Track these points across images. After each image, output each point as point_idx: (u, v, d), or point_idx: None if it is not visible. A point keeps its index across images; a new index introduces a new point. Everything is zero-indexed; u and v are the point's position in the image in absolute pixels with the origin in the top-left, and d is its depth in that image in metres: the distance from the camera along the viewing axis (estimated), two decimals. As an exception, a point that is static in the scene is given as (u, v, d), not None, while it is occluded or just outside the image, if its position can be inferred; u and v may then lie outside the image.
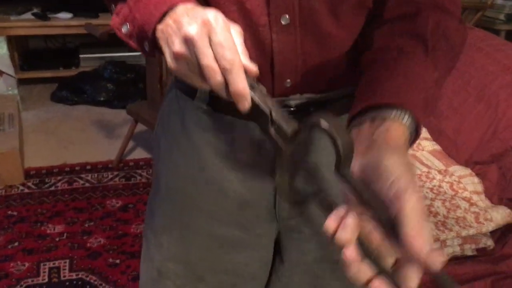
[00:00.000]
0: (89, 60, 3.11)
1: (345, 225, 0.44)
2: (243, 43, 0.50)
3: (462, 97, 1.80)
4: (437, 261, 0.40)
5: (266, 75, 0.63)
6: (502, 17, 2.97)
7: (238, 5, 0.58)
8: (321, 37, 0.62)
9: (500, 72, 1.74)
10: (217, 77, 0.48)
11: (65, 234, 1.98)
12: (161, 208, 0.76)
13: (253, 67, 0.49)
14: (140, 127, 2.40)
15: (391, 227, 0.43)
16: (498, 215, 1.47)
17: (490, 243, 1.49)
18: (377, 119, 0.52)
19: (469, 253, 1.49)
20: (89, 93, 2.95)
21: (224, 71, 0.47)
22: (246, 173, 0.71)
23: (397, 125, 0.51)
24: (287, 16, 0.59)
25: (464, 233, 1.44)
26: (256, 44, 0.61)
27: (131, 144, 2.50)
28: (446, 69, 0.60)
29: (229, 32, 0.48)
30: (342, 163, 0.45)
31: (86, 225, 2.04)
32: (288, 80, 0.64)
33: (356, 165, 0.48)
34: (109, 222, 2.06)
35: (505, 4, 2.96)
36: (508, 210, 1.49)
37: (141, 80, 2.90)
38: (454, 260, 1.47)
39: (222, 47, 0.47)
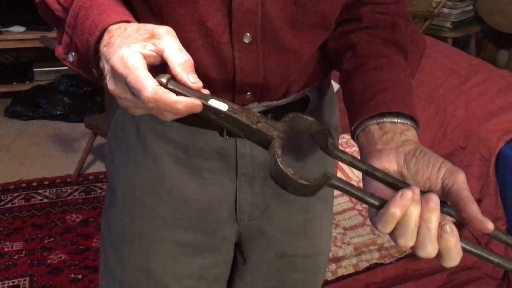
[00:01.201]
0: (43, 74, 3.04)
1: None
2: (181, 51, 0.50)
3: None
4: (490, 224, 0.47)
5: (227, 90, 0.64)
6: (448, 25, 3.11)
7: (199, 25, 0.59)
8: (282, 52, 0.63)
9: (448, 77, 1.84)
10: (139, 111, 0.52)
11: (24, 252, 1.93)
12: (119, 220, 0.76)
13: (192, 81, 0.50)
14: (99, 140, 2.37)
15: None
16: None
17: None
18: (398, 124, 0.57)
19: (425, 249, 1.55)
20: (45, 108, 2.88)
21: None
22: (206, 179, 0.72)
23: (414, 131, 0.57)
24: (249, 34, 0.59)
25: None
26: (217, 62, 0.62)
27: (90, 157, 2.46)
28: (415, 74, 0.66)
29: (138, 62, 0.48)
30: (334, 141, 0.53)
31: (46, 241, 1.99)
32: (249, 93, 0.65)
33: (393, 153, 0.54)
34: (70, 237, 2.02)
35: (451, 12, 3.11)
36: (460, 206, 1.56)
37: (99, 93, 2.86)
38: (411, 256, 1.53)
39: (135, 91, 0.48)
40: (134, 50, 0.48)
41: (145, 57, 0.49)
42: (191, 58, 0.50)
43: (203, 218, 0.74)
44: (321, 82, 0.74)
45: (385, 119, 0.57)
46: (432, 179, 0.50)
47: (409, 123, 0.57)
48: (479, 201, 1.57)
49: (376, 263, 1.50)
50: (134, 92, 0.48)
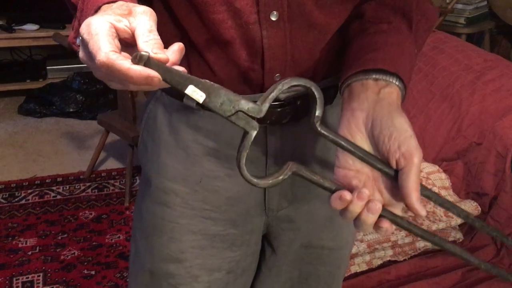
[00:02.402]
0: (56, 71, 3.06)
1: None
2: (152, 27, 0.48)
3: (427, 97, 1.86)
4: (423, 212, 0.53)
5: (257, 71, 0.65)
6: (462, 21, 3.08)
7: (227, 5, 0.59)
8: (309, 29, 0.63)
9: (462, 72, 1.82)
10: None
11: (37, 248, 1.94)
12: (151, 209, 0.77)
13: (164, 56, 0.47)
14: (112, 137, 2.38)
15: (389, 177, 0.54)
16: (466, 209, 1.52)
17: (459, 236, 1.54)
18: (380, 81, 0.58)
19: (439, 246, 1.53)
20: (58, 105, 2.91)
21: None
22: (235, 169, 0.72)
23: (397, 90, 0.58)
24: (276, 12, 0.60)
25: (434, 227, 1.48)
26: (246, 42, 0.62)
27: (102, 154, 2.47)
28: (422, 45, 0.66)
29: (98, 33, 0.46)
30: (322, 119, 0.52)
31: (59, 237, 2.00)
32: (278, 75, 0.65)
33: (362, 117, 0.55)
34: (83, 233, 2.03)
35: (465, 8, 3.07)
36: (475, 204, 1.55)
37: (111, 90, 2.88)
38: (426, 253, 1.52)
39: (92, 56, 0.45)
40: (104, 19, 0.47)
41: (117, 29, 0.47)
42: (160, 40, 0.47)
43: (232, 209, 0.75)
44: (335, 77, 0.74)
45: (368, 76, 0.58)
46: (390, 154, 0.53)
47: (393, 81, 0.57)
48: (494, 198, 1.55)
49: (389, 261, 1.49)
50: (92, 57, 0.46)
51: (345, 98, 0.59)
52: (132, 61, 0.45)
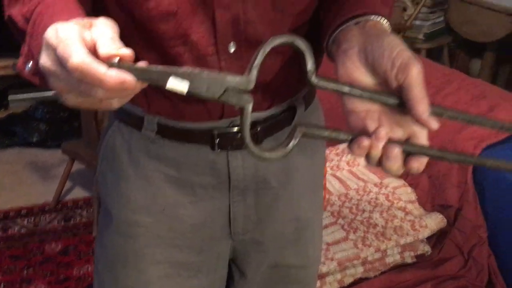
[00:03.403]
0: (18, 101, 3.00)
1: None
2: (113, 35, 0.47)
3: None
4: (434, 124, 0.48)
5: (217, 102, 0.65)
6: (421, 36, 3.16)
7: (184, 39, 0.59)
8: (269, 56, 0.63)
9: (422, 87, 1.86)
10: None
11: (2, 284, 1.87)
12: (114, 241, 0.76)
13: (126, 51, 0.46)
14: (77, 165, 2.33)
15: (397, 104, 0.50)
16: (432, 221, 1.54)
17: (427, 249, 1.56)
18: (361, 22, 0.56)
19: (409, 260, 1.55)
20: (21, 135, 2.83)
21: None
22: (199, 195, 0.72)
23: (380, 22, 0.56)
24: (234, 43, 0.61)
25: (402, 241, 1.50)
26: None
27: (68, 184, 2.42)
28: (391, 4, 0.66)
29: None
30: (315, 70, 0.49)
31: (25, 272, 1.94)
32: None
33: (355, 52, 0.52)
34: (50, 267, 1.97)
35: (423, 24, 3.16)
36: (440, 216, 1.57)
37: (76, 118, 2.83)
38: (396, 268, 1.53)
39: (63, 60, 0.44)
40: (72, 24, 0.46)
41: (83, 40, 0.45)
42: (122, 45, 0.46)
43: (198, 236, 0.75)
44: (307, 92, 0.75)
45: (348, 24, 0.56)
46: (388, 75, 0.49)
47: (374, 18, 0.56)
48: (459, 210, 1.58)
49: (360, 278, 1.49)
50: (62, 62, 0.43)
51: (334, 50, 0.57)
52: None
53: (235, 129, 0.68)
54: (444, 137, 1.66)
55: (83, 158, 2.14)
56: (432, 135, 1.75)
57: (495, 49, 3.11)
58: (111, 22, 0.47)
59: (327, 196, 1.63)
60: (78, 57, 0.42)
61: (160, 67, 0.45)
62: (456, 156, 0.51)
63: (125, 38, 0.61)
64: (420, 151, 0.49)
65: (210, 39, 0.60)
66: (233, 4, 0.59)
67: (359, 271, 1.48)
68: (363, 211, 1.59)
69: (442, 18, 3.21)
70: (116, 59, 0.44)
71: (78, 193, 2.43)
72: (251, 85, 0.47)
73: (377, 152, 0.49)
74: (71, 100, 0.47)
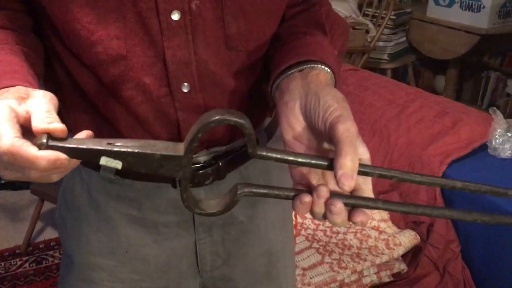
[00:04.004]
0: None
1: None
2: (48, 107, 0.46)
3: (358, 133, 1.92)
4: (347, 184, 0.45)
5: (175, 142, 0.63)
6: (385, 57, 3.24)
7: (135, 82, 0.58)
8: (222, 95, 0.63)
9: (387, 107, 1.90)
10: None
11: (-29, 335, 1.79)
12: (76, 287, 0.73)
13: (58, 127, 0.44)
14: (47, 206, 2.28)
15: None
16: (406, 239, 1.55)
17: (403, 266, 1.57)
18: (305, 69, 0.56)
19: (386, 279, 1.55)
20: (-11, 178, 2.77)
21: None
22: (163, 234, 0.70)
23: (324, 72, 0.56)
24: (187, 84, 0.59)
25: (378, 261, 1.50)
26: (160, 116, 0.61)
27: (39, 225, 2.35)
28: (340, 51, 0.68)
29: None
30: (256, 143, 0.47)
31: (-5, 320, 1.86)
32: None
33: (297, 106, 0.52)
34: (22, 312, 1.90)
35: (386, 45, 3.24)
36: (414, 233, 1.58)
37: (45, 156, 2.78)
38: (373, 289, 1.52)
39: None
40: (4, 103, 0.44)
41: (17, 115, 0.44)
42: (57, 119, 0.45)
43: (164, 275, 0.72)
44: (269, 124, 0.74)
45: (293, 70, 0.56)
46: (325, 131, 0.49)
47: (318, 65, 0.56)
48: (431, 225, 1.59)
49: (339, 301, 1.48)
50: None
51: (277, 99, 0.57)
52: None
53: (197, 165, 0.66)
54: (411, 155, 1.69)
55: (53, 197, 2.09)
56: (400, 153, 1.77)
57: (458, 65, 3.20)
58: (49, 94, 0.47)
59: (300, 220, 1.63)
60: (7, 141, 0.41)
61: (92, 146, 0.44)
62: (400, 206, 0.49)
63: (78, 82, 0.61)
64: (363, 204, 0.48)
65: (162, 80, 0.58)
66: (183, 44, 0.57)
67: (336, 294, 1.47)
68: (337, 233, 1.59)
69: (404, 38, 3.30)
70: (43, 139, 0.43)
71: (50, 234, 2.37)
72: (185, 161, 0.46)
73: (319, 209, 0.48)
74: (9, 175, 0.45)
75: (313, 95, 0.51)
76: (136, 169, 0.45)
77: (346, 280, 1.47)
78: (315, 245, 1.55)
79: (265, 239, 0.77)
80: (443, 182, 0.51)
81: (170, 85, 0.59)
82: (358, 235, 1.57)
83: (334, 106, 0.48)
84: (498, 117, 1.60)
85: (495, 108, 1.62)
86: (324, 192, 0.47)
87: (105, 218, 0.69)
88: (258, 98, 0.70)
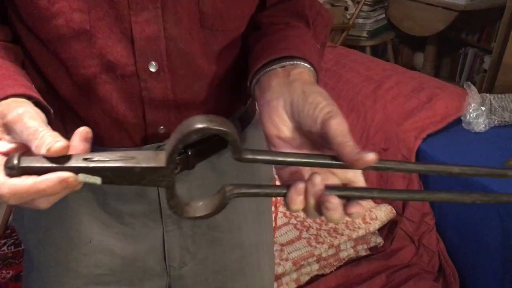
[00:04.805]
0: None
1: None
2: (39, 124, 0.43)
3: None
4: (370, 156, 0.43)
5: (139, 125, 0.60)
6: (365, 34, 3.24)
7: (99, 59, 0.54)
8: (194, 79, 0.60)
9: (364, 83, 1.90)
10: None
11: (-51, 319, 1.78)
12: (37, 283, 0.70)
13: (58, 146, 0.42)
14: (25, 188, 2.25)
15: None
16: (382, 213, 1.58)
17: (379, 240, 1.59)
18: (287, 66, 0.54)
19: (362, 253, 1.57)
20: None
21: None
22: (129, 224, 0.67)
23: (307, 69, 0.54)
24: (154, 63, 0.56)
25: (354, 235, 1.52)
26: (124, 96, 0.58)
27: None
28: (323, 43, 0.65)
29: None
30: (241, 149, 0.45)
31: (-26, 304, 1.85)
32: (162, 127, 0.61)
33: (280, 104, 0.50)
34: (1, 295, 1.89)
35: (365, 22, 3.24)
36: (390, 207, 1.61)
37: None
38: (351, 262, 1.55)
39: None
40: None
41: (5, 152, 0.42)
42: (49, 132, 0.43)
43: (129, 269, 0.69)
44: (243, 113, 0.71)
45: (274, 66, 0.54)
46: (314, 130, 0.47)
47: (301, 63, 0.54)
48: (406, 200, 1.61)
49: (317, 275, 1.50)
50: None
51: (257, 96, 0.55)
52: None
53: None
54: (388, 131, 1.70)
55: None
56: (376, 129, 1.78)
57: (436, 42, 3.22)
58: (22, 112, 0.43)
59: (279, 197, 1.63)
60: (5, 188, 0.40)
61: (68, 161, 0.42)
62: (396, 193, 0.49)
63: (35, 59, 0.57)
64: (357, 195, 0.46)
65: (129, 58, 0.55)
66: (152, 19, 0.53)
67: (314, 269, 1.49)
68: (315, 209, 1.60)
69: (383, 15, 3.30)
70: (15, 160, 0.41)
71: (29, 216, 2.35)
72: (168, 171, 0.44)
73: (313, 200, 0.46)
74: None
75: (299, 94, 0.49)
76: (117, 183, 0.43)
77: (324, 255, 1.49)
78: (292, 221, 1.56)
79: (237, 233, 0.74)
80: (439, 168, 0.49)
81: (136, 64, 0.55)
82: (335, 210, 1.59)
83: (323, 103, 0.47)
84: (473, 91, 1.62)
85: (469, 83, 1.64)
86: (318, 181, 0.45)
87: (66, 206, 0.65)
88: (234, 84, 0.67)
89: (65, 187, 0.41)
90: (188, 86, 0.59)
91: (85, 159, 0.42)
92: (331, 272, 1.52)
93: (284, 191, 0.46)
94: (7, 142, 0.44)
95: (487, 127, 1.59)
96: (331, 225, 1.54)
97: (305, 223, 1.55)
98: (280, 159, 0.46)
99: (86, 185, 0.65)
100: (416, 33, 3.15)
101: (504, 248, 1.35)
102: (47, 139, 0.41)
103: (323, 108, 0.47)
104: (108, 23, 0.53)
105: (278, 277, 1.44)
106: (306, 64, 0.54)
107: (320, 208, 0.46)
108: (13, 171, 0.41)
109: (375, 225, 1.56)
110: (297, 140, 0.50)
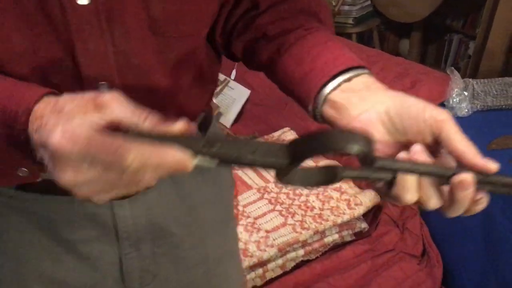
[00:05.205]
0: None
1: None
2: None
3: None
4: (493, 166, 0.43)
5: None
6: (350, 21, 3.23)
7: (44, 83, 0.47)
8: (150, 95, 0.54)
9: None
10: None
11: None
12: None
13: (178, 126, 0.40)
14: None
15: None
16: (366, 198, 1.59)
17: (364, 225, 1.60)
18: (353, 78, 0.51)
19: (348, 238, 1.58)
20: None
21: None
22: (81, 252, 0.62)
23: (367, 73, 0.53)
24: (105, 84, 0.50)
25: (339, 220, 1.53)
26: None
27: None
28: (333, 31, 0.62)
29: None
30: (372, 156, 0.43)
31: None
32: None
33: (374, 115, 0.48)
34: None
35: (351, 9, 3.23)
36: (374, 192, 1.61)
37: None
38: (336, 248, 1.56)
39: (110, 155, 0.37)
40: (82, 120, 0.38)
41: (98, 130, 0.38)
42: (149, 115, 0.41)
43: None
44: (205, 114, 0.68)
45: (339, 79, 0.51)
46: (422, 132, 0.46)
47: (363, 71, 0.52)
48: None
49: (302, 261, 1.51)
50: (106, 158, 0.37)
51: (332, 116, 0.51)
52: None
53: None
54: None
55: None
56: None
57: (421, 29, 3.23)
58: (116, 95, 0.40)
59: (263, 184, 1.64)
60: (133, 144, 0.37)
61: (193, 142, 0.40)
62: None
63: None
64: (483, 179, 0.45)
65: (74, 80, 0.48)
66: (96, 34, 0.47)
67: (300, 254, 1.50)
68: (300, 195, 1.61)
69: (369, 2, 3.29)
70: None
71: None
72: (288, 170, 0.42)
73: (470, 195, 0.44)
74: (103, 197, 0.41)
75: (393, 101, 0.48)
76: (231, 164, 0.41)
77: (309, 241, 1.50)
78: (278, 207, 1.56)
79: (201, 248, 0.72)
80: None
81: (83, 87, 0.49)
82: (320, 196, 1.59)
83: (421, 104, 0.46)
84: (456, 76, 1.63)
85: (452, 68, 1.64)
86: (470, 177, 0.43)
87: (11, 239, 0.60)
88: (198, 92, 0.62)
89: (179, 167, 0.39)
90: (144, 103, 0.55)
91: (206, 144, 0.40)
92: (317, 257, 1.53)
93: (390, 175, 0.44)
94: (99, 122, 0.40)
95: (470, 112, 1.60)
96: (316, 211, 1.55)
97: (290, 210, 1.55)
98: (407, 166, 0.44)
99: (34, 218, 0.58)
100: (402, 19, 3.15)
101: (486, 231, 1.37)
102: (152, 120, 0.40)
103: (424, 109, 0.46)
104: (48, 41, 0.47)
105: (263, 263, 1.44)
106: (367, 71, 0.52)
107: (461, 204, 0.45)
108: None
109: (360, 210, 1.57)
110: (389, 147, 0.48)
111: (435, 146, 0.47)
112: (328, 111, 0.51)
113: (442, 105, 1.64)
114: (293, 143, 0.41)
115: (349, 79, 0.51)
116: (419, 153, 0.45)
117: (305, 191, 1.62)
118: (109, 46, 0.48)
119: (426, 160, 0.45)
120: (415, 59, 3.22)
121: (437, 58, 3.45)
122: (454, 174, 0.43)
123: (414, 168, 0.44)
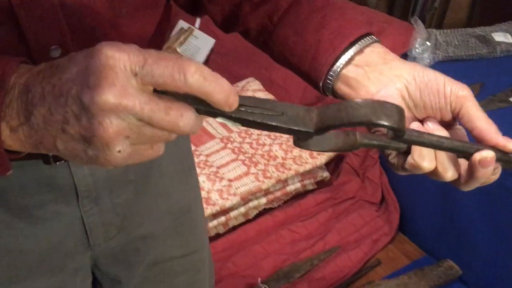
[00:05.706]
0: None
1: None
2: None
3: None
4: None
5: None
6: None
7: None
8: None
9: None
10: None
11: None
12: None
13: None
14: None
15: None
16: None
17: (326, 174, 1.63)
18: (365, 48, 0.49)
19: (310, 187, 1.61)
20: None
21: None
22: (37, 217, 0.60)
23: (378, 43, 0.50)
24: (57, 47, 0.46)
25: (301, 169, 1.55)
26: None
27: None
28: None
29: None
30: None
31: None
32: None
33: (394, 91, 0.47)
34: None
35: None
36: (336, 142, 1.63)
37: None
38: (297, 196, 1.59)
39: (174, 73, 0.34)
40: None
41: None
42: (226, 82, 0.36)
43: (46, 260, 0.63)
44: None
45: (351, 52, 0.48)
46: (442, 109, 0.46)
47: (373, 40, 0.49)
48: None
49: (265, 209, 1.54)
50: (168, 79, 0.33)
51: (347, 93, 0.49)
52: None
53: None
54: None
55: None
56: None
57: (390, -21, 3.19)
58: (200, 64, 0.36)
59: (226, 134, 1.63)
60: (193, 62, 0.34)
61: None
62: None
63: None
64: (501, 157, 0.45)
65: (20, 46, 0.44)
66: None
67: (262, 203, 1.52)
68: (264, 145, 1.61)
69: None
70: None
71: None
72: (314, 135, 0.40)
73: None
74: (153, 149, 0.39)
75: (413, 75, 0.47)
76: (256, 128, 0.40)
77: (271, 189, 1.52)
78: (241, 157, 1.57)
79: (165, 197, 0.71)
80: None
81: (31, 52, 0.44)
82: (283, 146, 1.60)
83: (441, 78, 0.46)
84: (419, 26, 1.63)
85: (416, 17, 1.64)
86: (491, 154, 0.43)
87: None
88: (158, 47, 0.59)
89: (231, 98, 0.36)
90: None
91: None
92: (279, 206, 1.56)
93: (404, 145, 0.44)
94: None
95: (432, 62, 1.61)
96: (278, 160, 1.56)
97: (253, 159, 1.56)
98: (435, 139, 0.43)
99: None
100: (370, -31, 3.10)
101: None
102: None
103: (453, 87, 0.45)
104: None
105: (226, 211, 1.46)
106: (373, 37, 0.49)
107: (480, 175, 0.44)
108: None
109: (322, 159, 1.59)
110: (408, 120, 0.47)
111: (450, 120, 0.47)
112: (342, 88, 0.49)
113: (405, 55, 1.64)
114: (321, 111, 0.39)
115: (361, 51, 0.48)
116: (438, 130, 0.45)
117: (268, 141, 1.63)
118: (56, 4, 0.44)
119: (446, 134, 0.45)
120: (383, 11, 3.19)
121: (405, 10, 3.43)
122: (477, 150, 0.43)
123: (440, 143, 0.43)
